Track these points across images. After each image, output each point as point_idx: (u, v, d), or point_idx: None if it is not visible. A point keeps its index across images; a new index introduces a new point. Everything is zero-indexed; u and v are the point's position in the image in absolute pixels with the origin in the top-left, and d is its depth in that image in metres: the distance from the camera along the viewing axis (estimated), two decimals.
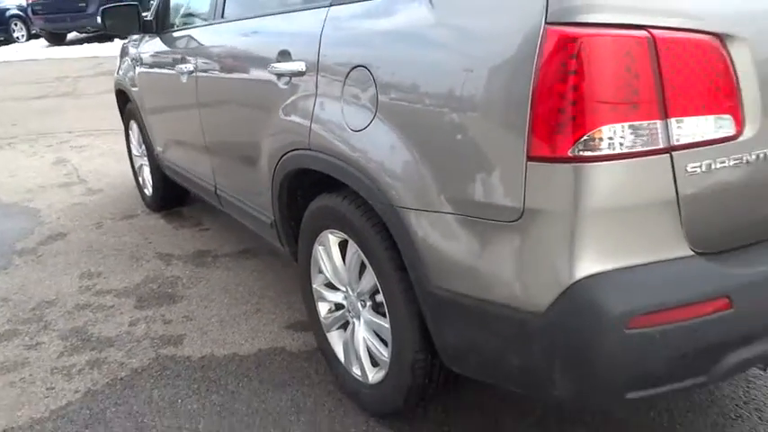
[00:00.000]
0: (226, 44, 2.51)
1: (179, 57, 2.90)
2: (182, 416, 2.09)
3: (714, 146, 1.25)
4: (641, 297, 1.27)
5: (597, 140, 1.19)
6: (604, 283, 1.26)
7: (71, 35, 14.99)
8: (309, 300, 2.22)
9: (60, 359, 2.47)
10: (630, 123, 1.19)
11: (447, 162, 1.44)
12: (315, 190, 2.02)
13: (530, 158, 1.25)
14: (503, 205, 1.33)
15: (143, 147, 3.98)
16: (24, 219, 4.13)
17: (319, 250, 2.07)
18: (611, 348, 1.28)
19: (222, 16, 2.57)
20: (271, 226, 2.35)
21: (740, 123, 1.26)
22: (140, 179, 4.25)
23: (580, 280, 1.26)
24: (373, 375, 1.95)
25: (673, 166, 1.23)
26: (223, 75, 2.51)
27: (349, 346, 2.05)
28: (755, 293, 1.34)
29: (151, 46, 3.34)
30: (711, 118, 1.23)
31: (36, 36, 15.24)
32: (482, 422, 1.97)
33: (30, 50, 13.90)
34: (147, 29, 3.32)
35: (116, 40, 14.00)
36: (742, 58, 1.23)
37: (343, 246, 1.97)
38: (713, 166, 1.26)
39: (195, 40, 2.78)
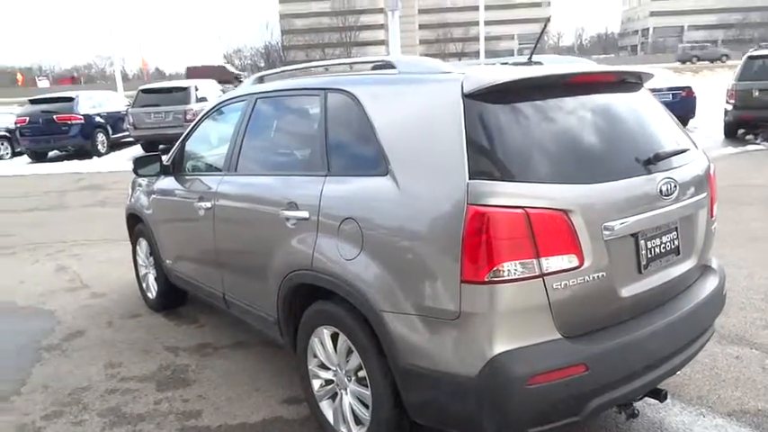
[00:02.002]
0: (242, 191, 3.08)
1: (196, 195, 3.46)
2: None
3: (568, 272, 1.92)
4: (534, 365, 1.89)
5: (501, 272, 1.84)
6: (511, 357, 1.88)
7: (51, 152, 15.22)
8: (305, 378, 2.71)
9: None
10: (519, 261, 1.85)
11: (410, 281, 2.06)
12: (309, 297, 2.58)
13: (462, 281, 1.89)
14: (447, 309, 1.94)
15: (150, 259, 4.42)
16: (43, 319, 4.41)
17: (315, 341, 2.59)
18: (518, 398, 1.89)
19: (236, 170, 3.17)
20: (274, 323, 2.86)
21: (581, 259, 1.94)
22: (144, 285, 4.64)
23: (496, 355, 1.88)
24: (357, 431, 2.43)
25: (545, 285, 1.89)
26: (239, 213, 3.08)
27: (338, 411, 2.54)
28: (603, 360, 1.99)
29: (168, 184, 3.90)
30: (565, 256, 1.92)
31: (19, 153, 15.34)
32: None
33: (15, 167, 13.95)
34: (165, 171, 3.89)
35: (94, 157, 14.36)
36: (578, 222, 1.94)
37: (332, 337, 2.50)
38: (568, 284, 1.93)
39: (211, 184, 3.35)
